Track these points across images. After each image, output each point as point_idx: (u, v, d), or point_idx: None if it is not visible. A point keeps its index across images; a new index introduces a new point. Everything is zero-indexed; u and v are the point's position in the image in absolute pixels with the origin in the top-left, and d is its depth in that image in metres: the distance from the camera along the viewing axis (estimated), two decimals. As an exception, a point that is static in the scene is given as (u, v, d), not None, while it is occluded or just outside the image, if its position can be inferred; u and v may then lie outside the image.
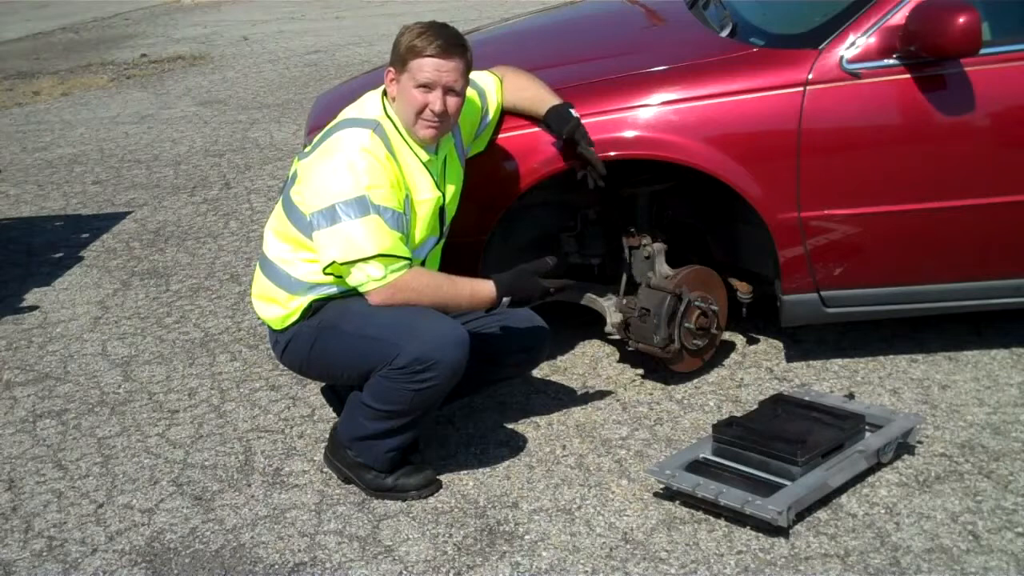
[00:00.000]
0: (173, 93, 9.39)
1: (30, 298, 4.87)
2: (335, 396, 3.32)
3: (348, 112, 3.10)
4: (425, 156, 3.04)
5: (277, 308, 3.10)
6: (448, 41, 2.96)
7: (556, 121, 3.28)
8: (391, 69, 3.02)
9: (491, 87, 3.33)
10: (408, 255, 2.95)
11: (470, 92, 3.25)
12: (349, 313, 2.99)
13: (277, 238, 3.10)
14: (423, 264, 3.13)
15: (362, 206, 2.86)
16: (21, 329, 4.54)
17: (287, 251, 3.06)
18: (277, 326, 3.13)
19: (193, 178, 6.62)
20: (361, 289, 2.95)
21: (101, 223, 5.85)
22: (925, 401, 3.40)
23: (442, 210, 3.10)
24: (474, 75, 3.29)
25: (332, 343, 3.02)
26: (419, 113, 2.97)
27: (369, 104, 3.07)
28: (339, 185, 2.89)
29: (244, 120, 8.10)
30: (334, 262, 2.92)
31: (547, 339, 3.22)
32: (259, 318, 3.25)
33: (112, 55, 11.82)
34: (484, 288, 3.00)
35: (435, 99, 2.95)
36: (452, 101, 2.98)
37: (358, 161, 2.90)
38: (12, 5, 17.51)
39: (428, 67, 2.94)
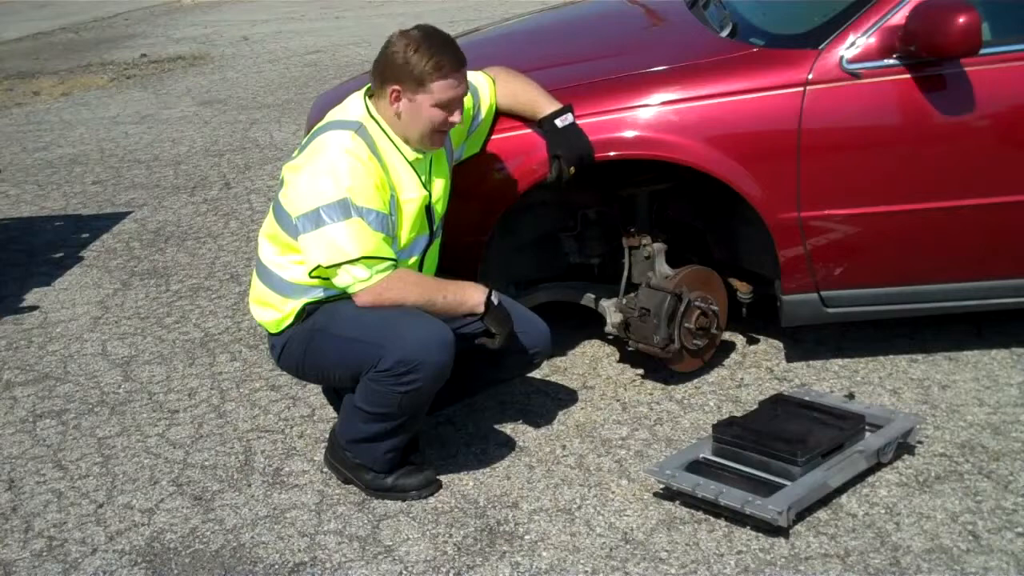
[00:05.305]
0: (173, 93, 9.39)
1: (30, 298, 4.87)
2: (336, 396, 3.32)
3: (332, 115, 3.10)
4: (412, 155, 3.04)
5: (272, 312, 3.10)
6: (457, 55, 2.97)
7: (548, 138, 3.28)
8: (396, 88, 2.96)
9: (484, 87, 3.32)
10: (393, 256, 2.95)
11: None
12: (338, 316, 3.00)
13: (270, 242, 3.10)
14: (420, 264, 3.14)
15: (344, 209, 2.86)
16: (21, 329, 4.54)
17: (279, 255, 3.06)
18: (273, 329, 3.13)
19: (193, 178, 6.63)
20: (348, 291, 2.95)
21: (101, 223, 5.85)
22: (925, 401, 3.40)
23: (429, 209, 3.10)
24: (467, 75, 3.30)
25: (323, 346, 3.03)
26: (437, 129, 2.99)
27: (352, 106, 3.07)
28: (322, 188, 2.89)
29: (244, 120, 8.11)
30: (319, 265, 2.93)
31: (548, 341, 3.21)
32: (257, 322, 3.25)
33: (112, 55, 11.82)
34: (471, 292, 3.00)
35: (456, 114, 3.00)
36: (461, 107, 3.05)
37: (340, 163, 2.90)
38: (12, 5, 17.52)
39: (451, 87, 2.96)
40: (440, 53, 2.93)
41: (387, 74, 2.97)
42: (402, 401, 2.93)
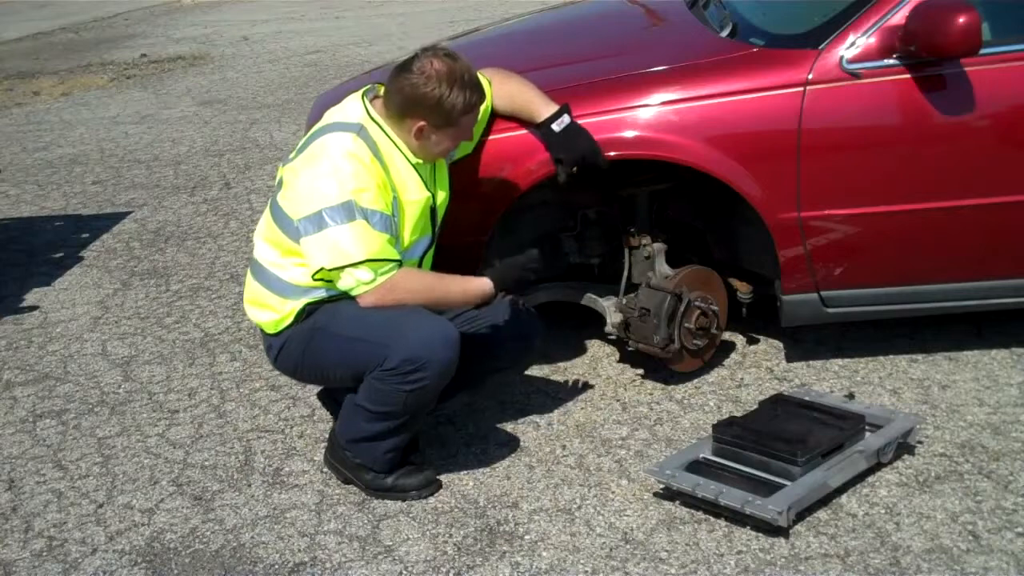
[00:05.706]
0: (173, 93, 9.39)
1: (30, 298, 4.87)
2: (331, 399, 3.32)
3: (331, 116, 3.08)
4: (415, 158, 3.04)
5: (270, 313, 3.09)
6: (480, 88, 3.01)
7: (547, 143, 3.29)
8: (423, 123, 2.95)
9: None
10: (397, 257, 2.95)
11: None
12: (340, 316, 2.99)
13: (267, 244, 3.09)
14: (419, 266, 3.14)
15: (348, 211, 2.86)
16: (21, 329, 4.54)
17: (278, 256, 3.05)
18: (271, 330, 3.12)
19: (193, 178, 6.63)
20: (352, 293, 2.95)
21: (101, 223, 5.85)
22: (925, 401, 3.40)
23: (433, 211, 3.11)
24: None
25: (324, 346, 3.02)
26: (452, 148, 3.09)
27: (351, 108, 3.05)
28: (324, 190, 2.88)
29: (244, 120, 8.11)
30: (323, 268, 2.92)
31: (540, 328, 3.22)
32: (254, 323, 3.24)
33: (112, 55, 11.82)
34: (476, 284, 3.01)
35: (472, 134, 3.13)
36: None
37: (343, 166, 2.89)
38: (12, 5, 17.52)
39: (475, 118, 3.09)
40: (468, 89, 2.95)
41: (415, 110, 2.95)
42: (407, 400, 2.93)
